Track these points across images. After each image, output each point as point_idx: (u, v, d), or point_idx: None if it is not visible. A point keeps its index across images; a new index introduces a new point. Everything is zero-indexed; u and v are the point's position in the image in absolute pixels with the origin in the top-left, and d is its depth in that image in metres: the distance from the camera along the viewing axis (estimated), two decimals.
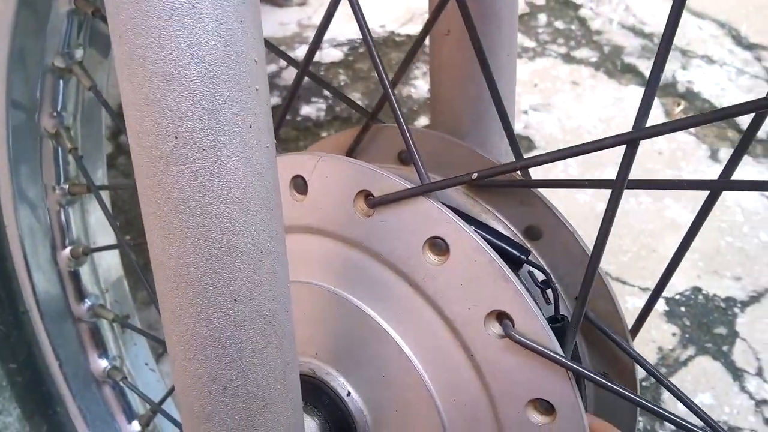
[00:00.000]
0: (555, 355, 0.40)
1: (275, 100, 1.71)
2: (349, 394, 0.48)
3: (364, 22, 0.47)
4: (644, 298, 1.36)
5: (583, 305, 0.40)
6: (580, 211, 1.49)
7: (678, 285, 1.38)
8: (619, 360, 0.49)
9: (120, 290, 0.87)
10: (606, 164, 1.60)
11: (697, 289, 1.38)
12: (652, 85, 0.35)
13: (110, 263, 0.84)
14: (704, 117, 0.35)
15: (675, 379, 1.24)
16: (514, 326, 0.41)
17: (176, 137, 0.33)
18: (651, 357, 1.28)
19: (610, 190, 0.38)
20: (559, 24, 1.95)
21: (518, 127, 1.67)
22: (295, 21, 1.94)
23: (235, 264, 0.36)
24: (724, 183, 0.41)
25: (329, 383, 0.48)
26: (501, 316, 0.42)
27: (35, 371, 0.81)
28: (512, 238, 0.49)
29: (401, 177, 0.44)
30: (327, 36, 1.91)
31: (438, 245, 0.43)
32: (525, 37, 1.90)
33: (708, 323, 1.33)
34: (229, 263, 0.36)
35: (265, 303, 0.38)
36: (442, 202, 0.43)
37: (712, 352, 1.29)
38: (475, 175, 0.41)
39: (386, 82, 0.46)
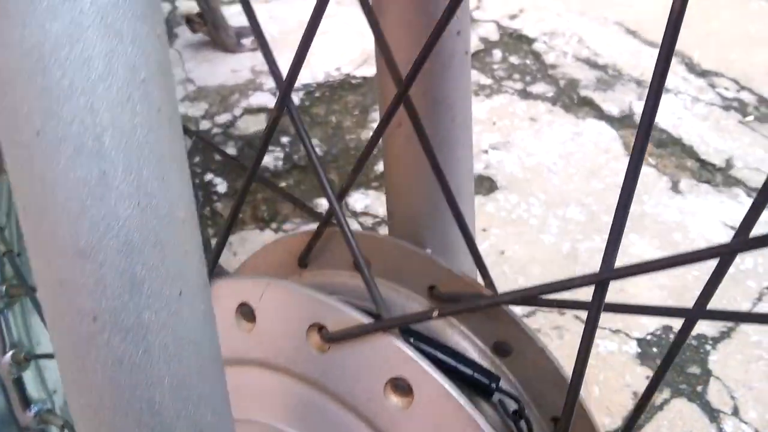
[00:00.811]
0: None
1: (231, 150, 1.67)
2: None
3: (306, 134, 0.44)
4: (615, 340, 1.34)
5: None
6: (544, 253, 1.47)
7: (649, 324, 1.37)
8: None
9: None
10: (569, 202, 1.58)
11: (667, 328, 1.36)
12: (619, 223, 0.33)
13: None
14: (675, 259, 0.32)
15: (652, 425, 1.22)
16: None
17: (94, 319, 0.29)
18: (626, 402, 1.26)
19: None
20: (513, 59, 1.94)
21: (479, 167, 1.65)
22: (248, 67, 1.90)
23: None
24: (698, 312, 0.38)
25: None
26: None
27: None
28: (480, 359, 0.45)
29: (357, 294, 0.41)
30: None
31: (400, 386, 0.39)
32: (481, 74, 1.89)
33: (681, 363, 1.31)
34: None
35: None
36: (404, 332, 0.40)
37: (687, 394, 1.27)
38: (436, 313, 0.38)
39: (331, 196, 0.43)
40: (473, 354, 0.46)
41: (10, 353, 0.73)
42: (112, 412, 0.31)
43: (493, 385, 0.43)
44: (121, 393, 0.30)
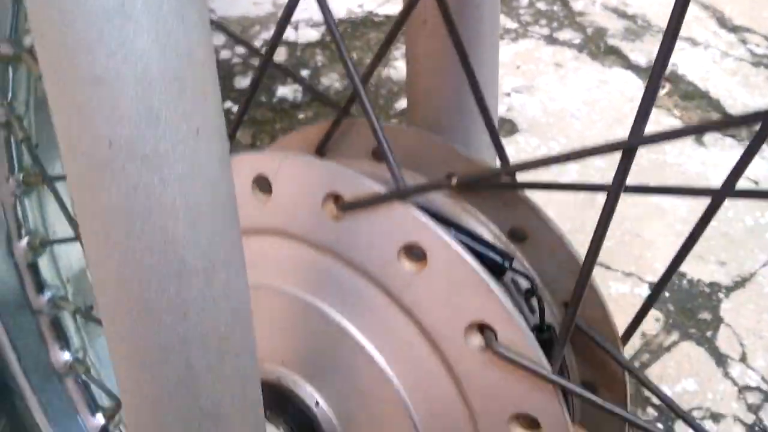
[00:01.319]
0: (541, 370, 0.37)
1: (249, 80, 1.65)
2: (317, 404, 0.45)
3: (329, 12, 0.43)
4: (628, 283, 1.34)
5: (573, 318, 0.37)
6: (563, 197, 1.46)
7: (661, 270, 1.36)
8: (608, 368, 0.46)
9: (82, 281, 0.83)
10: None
11: (681, 274, 1.36)
12: (651, 89, 0.32)
13: (71, 254, 0.80)
14: (706, 126, 0.31)
15: (658, 365, 1.23)
16: (496, 338, 0.38)
17: (110, 144, 0.29)
18: (634, 342, 1.26)
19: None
20: (541, 5, 1.91)
21: (501, 110, 1.63)
22: (270, 0, 1.88)
23: (184, 279, 0.32)
24: (726, 191, 0.37)
25: (296, 392, 0.45)
26: (483, 328, 0.39)
27: None
28: (495, 242, 0.45)
29: (374, 177, 0.40)
30: (304, 15, 1.86)
31: (414, 253, 0.39)
32: (507, 18, 1.86)
33: (692, 309, 1.31)
34: (176, 279, 0.32)
35: (219, 318, 0.34)
36: (418, 206, 0.39)
37: (696, 338, 1.27)
38: (454, 181, 0.37)
39: (356, 78, 0.42)
40: (488, 238, 0.45)
41: (26, 239, 0.74)
42: (124, 238, 0.31)
43: (506, 264, 0.43)
44: (133, 219, 0.30)
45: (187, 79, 0.30)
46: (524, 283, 0.44)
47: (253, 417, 0.38)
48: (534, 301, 0.44)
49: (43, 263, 0.77)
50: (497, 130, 0.47)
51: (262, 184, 0.44)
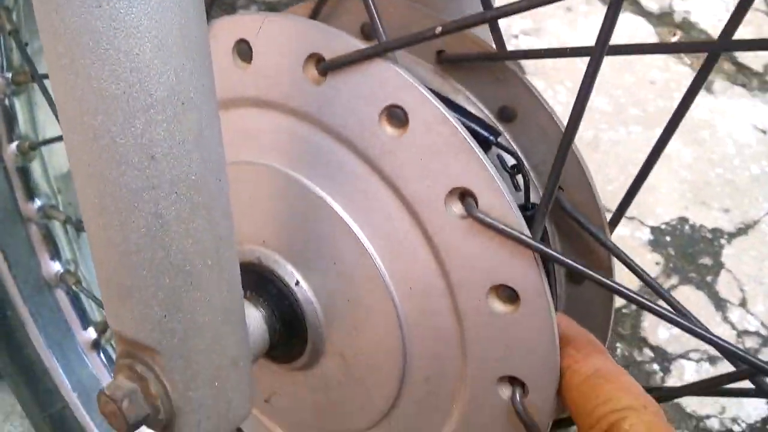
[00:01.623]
0: (520, 235, 0.36)
1: None
2: (297, 283, 0.44)
3: None
4: (629, 227, 1.33)
5: (556, 182, 0.35)
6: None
7: (664, 215, 1.34)
8: (594, 254, 0.44)
9: (75, 191, 0.82)
10: (597, 92, 1.54)
11: (683, 220, 1.34)
12: None
13: (63, 163, 0.79)
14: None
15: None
16: (477, 206, 0.37)
17: None
18: (634, 285, 1.25)
19: None
20: None
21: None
22: None
23: (151, 114, 0.31)
24: (722, 44, 0.36)
25: (276, 272, 0.44)
26: (464, 195, 0.37)
27: None
28: (482, 118, 0.44)
29: (358, 39, 0.39)
30: None
31: (396, 116, 0.38)
32: None
33: (693, 253, 1.30)
34: (142, 113, 0.31)
35: (189, 165, 0.33)
36: (403, 68, 0.38)
37: (696, 282, 1.26)
38: (439, 29, 0.36)
39: None
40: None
41: (15, 142, 0.73)
42: (89, 62, 0.29)
43: (492, 138, 0.42)
44: (98, 39, 0.29)
45: None
46: (510, 161, 0.43)
47: (228, 283, 0.37)
48: (520, 179, 0.42)
49: (34, 170, 0.76)
50: (492, 3, 0.45)
51: (243, 51, 0.42)
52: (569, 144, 0.36)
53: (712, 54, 0.36)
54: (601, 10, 1.72)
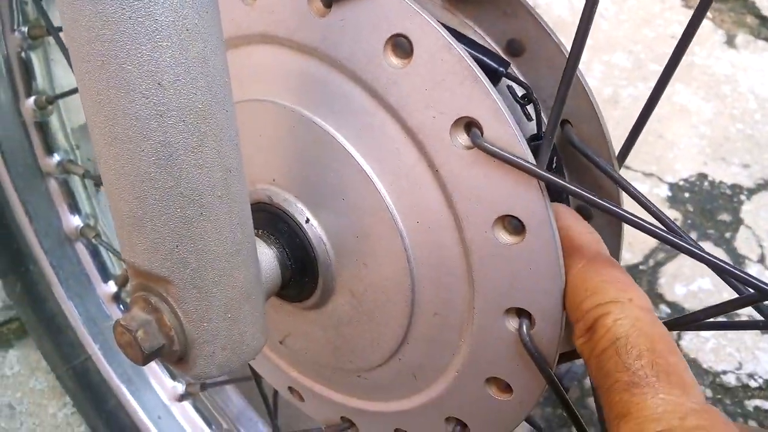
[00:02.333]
0: (526, 164, 0.36)
1: None
2: (307, 220, 0.44)
3: None
4: (647, 183, 1.32)
5: (560, 108, 0.35)
6: None
7: (683, 171, 1.33)
8: (603, 188, 0.44)
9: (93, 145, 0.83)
10: (616, 48, 1.52)
11: (702, 176, 1.33)
12: None
13: (81, 117, 0.80)
14: None
15: (673, 264, 1.21)
16: (483, 135, 0.37)
17: None
18: (650, 240, 1.24)
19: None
20: None
21: None
22: None
23: (156, 40, 0.31)
24: None
25: (287, 210, 0.45)
26: (469, 126, 0.37)
27: (5, 227, 0.78)
28: (491, 49, 0.43)
29: None
30: None
31: (401, 45, 0.38)
32: None
33: (712, 210, 1.28)
34: (148, 38, 0.31)
35: (196, 93, 0.33)
36: None
37: (714, 239, 1.25)
38: None
39: None
40: None
41: (33, 97, 0.73)
42: None
43: (502, 70, 0.41)
44: None
45: None
46: (520, 91, 0.43)
47: (238, 215, 0.37)
48: (530, 109, 0.42)
49: (53, 124, 0.77)
50: None
51: None
52: (574, 68, 0.36)
53: None
54: None
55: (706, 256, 0.35)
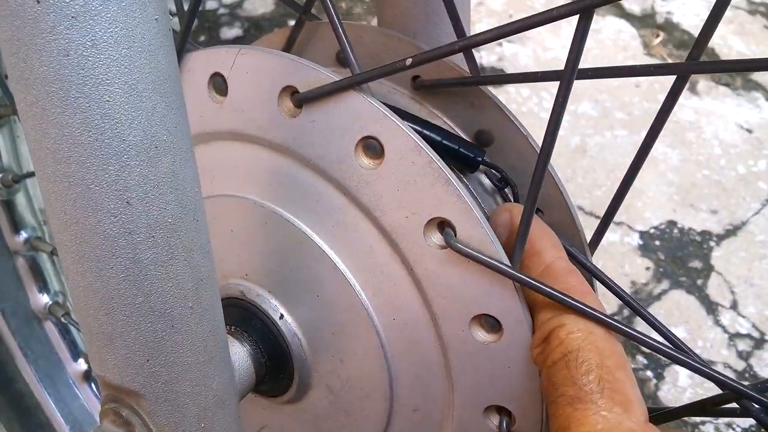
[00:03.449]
0: (500, 265, 0.36)
1: (237, 31, 1.63)
2: (282, 316, 0.44)
3: None
4: (618, 232, 1.33)
5: (533, 207, 0.35)
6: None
7: (653, 219, 1.35)
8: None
9: None
10: (582, 97, 1.55)
11: (672, 223, 1.34)
12: None
13: None
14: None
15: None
16: (456, 235, 0.37)
17: (38, 1, 0.28)
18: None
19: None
20: None
21: (492, 60, 1.61)
22: None
23: (124, 160, 0.31)
24: (691, 65, 0.36)
25: (260, 306, 0.44)
26: (442, 225, 0.37)
27: None
28: (465, 138, 0.44)
29: (332, 71, 0.39)
30: None
31: (372, 147, 0.38)
32: None
33: (683, 257, 1.30)
34: (116, 159, 0.31)
35: (165, 208, 0.33)
36: (377, 99, 0.38)
37: (686, 286, 1.26)
38: (409, 61, 0.36)
39: None
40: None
41: None
42: (60, 110, 0.29)
43: (479, 158, 0.42)
44: (68, 88, 0.29)
45: None
46: (494, 178, 0.43)
47: (211, 323, 0.37)
48: (508, 193, 0.43)
49: (19, 202, 0.76)
50: (467, 34, 0.45)
51: (218, 84, 0.42)
52: (544, 168, 0.36)
53: (681, 76, 0.37)
54: None
55: (682, 358, 0.35)
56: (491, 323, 0.38)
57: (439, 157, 0.36)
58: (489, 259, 0.36)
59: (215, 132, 0.43)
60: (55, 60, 0.28)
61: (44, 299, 0.79)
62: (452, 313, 0.38)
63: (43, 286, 0.79)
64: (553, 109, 0.36)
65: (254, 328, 0.44)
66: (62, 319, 0.78)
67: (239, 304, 0.45)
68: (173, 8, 0.47)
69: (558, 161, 1.42)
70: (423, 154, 0.36)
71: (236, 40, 1.62)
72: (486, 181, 0.45)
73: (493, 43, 1.65)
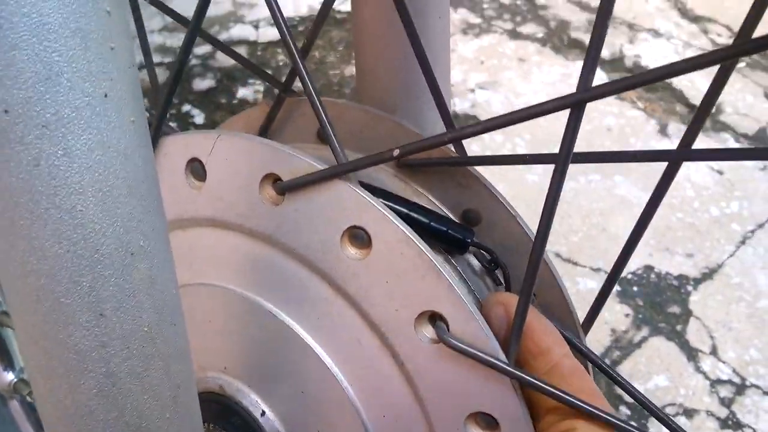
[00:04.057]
0: (496, 362, 0.34)
1: (209, 83, 1.62)
2: (263, 413, 0.41)
3: None
4: (596, 278, 1.32)
5: (528, 299, 0.34)
6: (528, 193, 1.45)
7: (630, 264, 1.35)
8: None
9: None
10: (555, 142, 1.55)
11: (649, 268, 1.34)
12: (596, 41, 0.29)
13: None
14: (650, 74, 0.29)
15: (629, 362, 1.21)
16: (448, 329, 0.35)
17: (6, 111, 0.26)
18: (605, 339, 1.24)
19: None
20: None
21: (465, 106, 1.61)
22: None
23: (98, 270, 0.29)
24: (682, 153, 0.35)
25: (240, 401, 0.42)
26: (434, 318, 0.36)
27: None
28: (453, 219, 0.42)
29: (316, 158, 0.37)
30: (264, 14, 1.82)
31: (359, 236, 0.36)
32: (470, 13, 1.85)
33: (661, 302, 1.30)
34: (88, 270, 0.29)
35: (141, 317, 0.31)
36: (363, 185, 0.36)
37: (666, 333, 1.26)
38: (396, 152, 0.35)
39: (293, 49, 0.39)
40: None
41: None
42: (29, 223, 0.27)
43: (468, 240, 0.40)
44: (38, 199, 0.27)
45: (91, 32, 0.26)
46: (484, 259, 0.42)
47: (188, 429, 0.35)
48: (498, 274, 0.41)
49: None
50: (448, 107, 0.44)
51: (196, 170, 0.41)
52: (540, 257, 0.35)
53: (672, 164, 0.36)
54: (553, 59, 1.75)
55: None
56: (487, 421, 0.36)
57: (429, 248, 0.35)
58: (484, 356, 0.34)
59: (193, 218, 0.41)
60: (24, 170, 0.26)
61: (9, 377, 0.75)
62: (446, 411, 0.36)
63: (9, 364, 0.75)
64: (548, 194, 0.34)
65: (234, 426, 0.42)
66: (28, 398, 0.75)
67: (218, 400, 0.42)
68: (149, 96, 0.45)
69: (534, 207, 1.42)
70: (412, 245, 0.35)
71: (209, 92, 1.60)
72: (475, 262, 0.43)
73: (466, 90, 1.66)
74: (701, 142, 1.59)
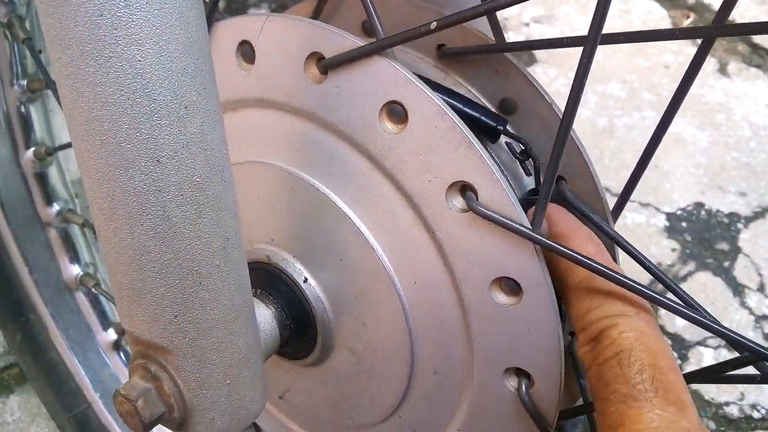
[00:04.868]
0: (520, 227, 0.36)
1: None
2: (306, 280, 0.45)
3: None
4: (644, 213, 1.32)
5: (555, 171, 0.36)
6: (581, 127, 1.44)
7: (680, 200, 1.34)
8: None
9: None
10: (610, 78, 1.53)
11: (699, 204, 1.33)
12: None
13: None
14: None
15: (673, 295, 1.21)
16: (477, 199, 0.37)
17: None
18: (648, 276, 1.24)
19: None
20: None
21: (519, 39, 1.60)
22: None
23: (155, 119, 0.32)
24: (718, 29, 0.36)
25: (285, 269, 0.45)
26: (464, 189, 0.38)
27: (4, 278, 0.78)
28: (487, 107, 0.44)
29: (358, 37, 0.39)
30: None
31: (396, 112, 0.39)
32: None
33: (710, 239, 1.29)
34: (147, 118, 0.32)
35: (194, 167, 0.34)
36: (401, 65, 0.38)
37: (713, 268, 1.25)
38: (434, 24, 0.36)
39: None
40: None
41: (32, 149, 0.74)
42: (93, 71, 0.30)
43: (500, 127, 0.42)
44: (101, 48, 0.29)
45: None
46: (517, 149, 0.43)
47: (237, 282, 0.38)
48: (529, 165, 0.43)
49: (52, 175, 0.78)
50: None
51: (246, 52, 0.43)
52: (567, 133, 0.36)
53: (707, 40, 0.37)
54: None
55: (702, 320, 0.35)
56: (511, 286, 0.38)
57: (462, 121, 0.37)
58: (510, 222, 0.36)
59: (242, 99, 0.44)
60: (90, 20, 0.29)
61: (75, 270, 0.81)
62: (473, 276, 0.39)
63: (75, 258, 0.81)
64: (576, 73, 0.36)
65: (279, 292, 0.45)
66: (93, 290, 0.80)
67: (265, 268, 0.46)
68: None
69: (585, 142, 1.40)
70: (446, 118, 0.37)
71: None
72: (507, 153, 0.45)
73: (520, 24, 1.64)
74: (764, 82, 1.54)
